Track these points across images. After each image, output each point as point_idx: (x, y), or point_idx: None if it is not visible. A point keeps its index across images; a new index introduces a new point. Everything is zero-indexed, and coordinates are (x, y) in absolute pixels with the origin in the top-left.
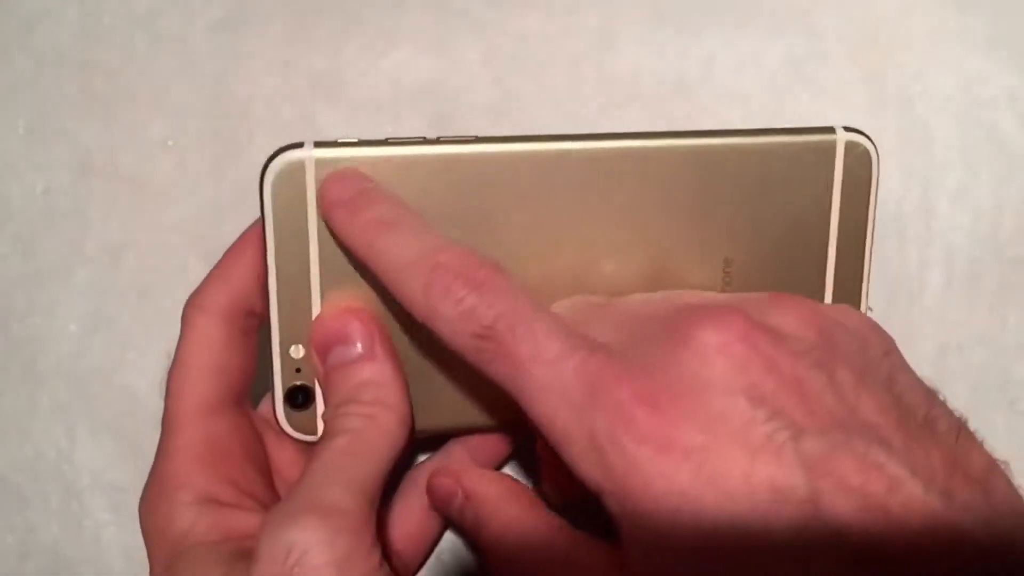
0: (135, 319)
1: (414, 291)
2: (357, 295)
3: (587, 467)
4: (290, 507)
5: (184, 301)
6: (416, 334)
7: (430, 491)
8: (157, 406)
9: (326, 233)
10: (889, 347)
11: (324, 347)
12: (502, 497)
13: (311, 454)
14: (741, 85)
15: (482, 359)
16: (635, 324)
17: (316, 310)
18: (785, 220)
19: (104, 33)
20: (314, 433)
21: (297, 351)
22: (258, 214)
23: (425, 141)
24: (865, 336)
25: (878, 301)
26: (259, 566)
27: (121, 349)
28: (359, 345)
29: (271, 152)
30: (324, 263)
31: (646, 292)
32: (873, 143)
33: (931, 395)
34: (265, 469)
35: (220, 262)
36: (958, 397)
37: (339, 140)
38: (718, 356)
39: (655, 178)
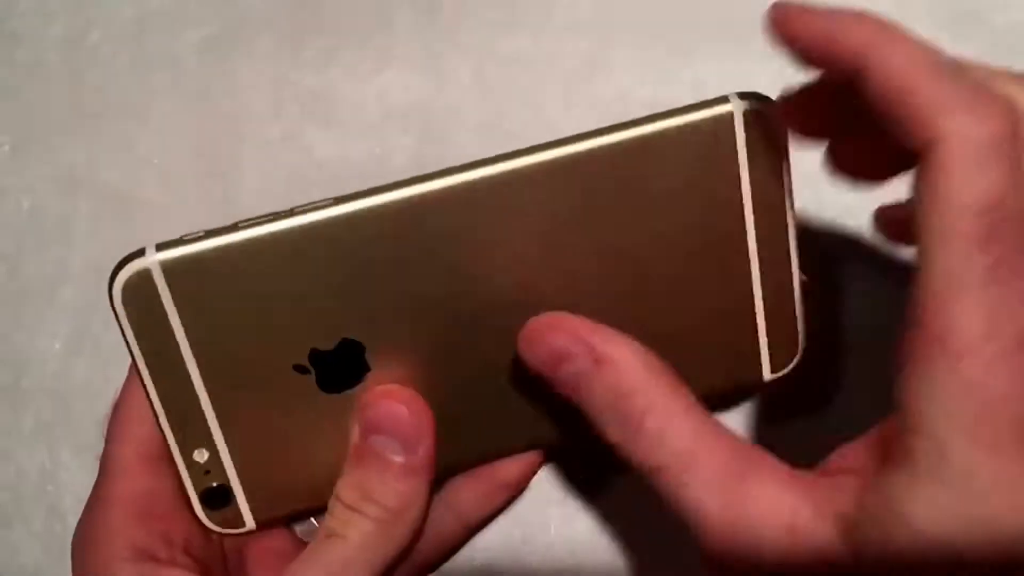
0: (120, 338)
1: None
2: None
3: None
4: None
5: None
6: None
7: (533, 345)
8: None
9: (195, 332)
10: None
11: (371, 428)
12: (647, 371)
13: (318, 535)
14: None
15: None
16: None
17: (208, 409)
18: (693, 209)
19: (90, 50)
20: (242, 525)
21: (201, 455)
22: None
23: (277, 216)
24: None
25: None
26: None
27: (105, 368)
28: (401, 450)
29: (114, 265)
30: (201, 361)
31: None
32: (774, 104)
33: None
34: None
35: None
36: None
37: (183, 237)
38: None
39: (531, 201)
